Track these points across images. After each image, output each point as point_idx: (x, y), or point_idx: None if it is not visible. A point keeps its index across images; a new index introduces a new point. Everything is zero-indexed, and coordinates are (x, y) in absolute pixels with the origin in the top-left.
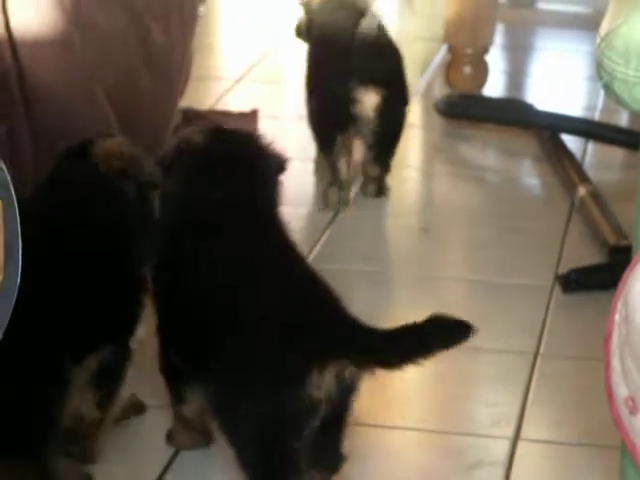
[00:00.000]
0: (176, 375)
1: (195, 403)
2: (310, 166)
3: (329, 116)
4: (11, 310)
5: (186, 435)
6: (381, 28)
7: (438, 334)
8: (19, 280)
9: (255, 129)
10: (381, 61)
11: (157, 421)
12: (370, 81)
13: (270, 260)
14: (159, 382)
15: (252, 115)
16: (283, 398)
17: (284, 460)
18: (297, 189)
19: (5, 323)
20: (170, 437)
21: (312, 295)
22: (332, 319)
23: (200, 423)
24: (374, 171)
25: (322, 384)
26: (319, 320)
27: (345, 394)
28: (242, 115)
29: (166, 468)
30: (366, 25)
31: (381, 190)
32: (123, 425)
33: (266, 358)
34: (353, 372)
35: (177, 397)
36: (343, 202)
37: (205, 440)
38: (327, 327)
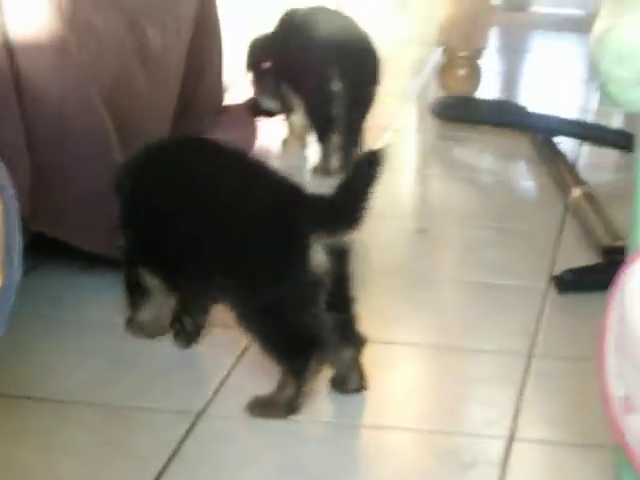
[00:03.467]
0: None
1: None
2: None
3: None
4: (9, 310)
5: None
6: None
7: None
8: (18, 279)
9: (252, 122)
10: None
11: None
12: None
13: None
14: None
15: (251, 103)
16: (292, 276)
17: (305, 338)
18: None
19: (4, 322)
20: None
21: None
22: (305, 200)
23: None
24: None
25: (318, 258)
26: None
27: (340, 265)
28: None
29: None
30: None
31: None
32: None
33: (265, 241)
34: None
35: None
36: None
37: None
38: (308, 206)
